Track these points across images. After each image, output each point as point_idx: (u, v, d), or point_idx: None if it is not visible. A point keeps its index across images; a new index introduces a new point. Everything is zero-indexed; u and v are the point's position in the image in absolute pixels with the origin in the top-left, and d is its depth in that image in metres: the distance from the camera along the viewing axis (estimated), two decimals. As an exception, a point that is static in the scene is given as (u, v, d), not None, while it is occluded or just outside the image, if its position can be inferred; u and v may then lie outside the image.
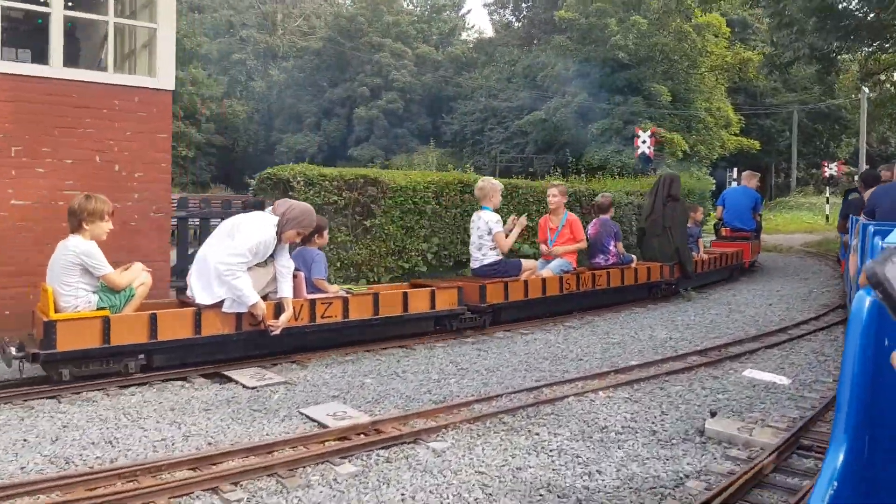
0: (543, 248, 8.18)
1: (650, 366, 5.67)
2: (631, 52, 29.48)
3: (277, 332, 5.31)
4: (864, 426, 1.23)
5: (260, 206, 7.28)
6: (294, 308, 5.43)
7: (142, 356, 4.76)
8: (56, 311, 4.44)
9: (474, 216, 7.40)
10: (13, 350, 4.33)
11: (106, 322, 4.51)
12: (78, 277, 4.54)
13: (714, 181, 29.96)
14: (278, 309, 5.34)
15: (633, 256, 9.16)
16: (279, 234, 5.33)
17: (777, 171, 45.27)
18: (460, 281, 7.34)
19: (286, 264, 5.48)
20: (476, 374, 5.33)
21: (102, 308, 4.61)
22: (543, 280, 7.55)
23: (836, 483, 1.14)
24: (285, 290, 5.42)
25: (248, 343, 5.34)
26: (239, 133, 40.89)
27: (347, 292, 6.06)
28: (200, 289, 5.08)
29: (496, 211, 7.42)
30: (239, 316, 5.18)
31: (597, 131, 30.27)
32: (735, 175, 28.94)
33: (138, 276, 4.93)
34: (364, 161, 33.92)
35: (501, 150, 35.96)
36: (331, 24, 42.85)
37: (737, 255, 11.92)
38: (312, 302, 5.67)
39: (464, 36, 48.34)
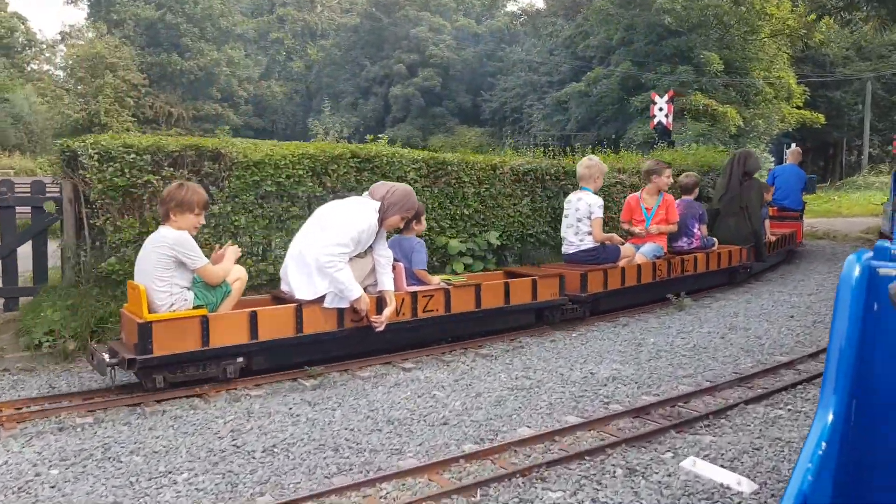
0: (637, 228, 7.49)
1: (538, 441, 3.44)
2: (679, 16, 26.99)
3: (381, 328, 4.76)
4: (852, 389, 1.19)
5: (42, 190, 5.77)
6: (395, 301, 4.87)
7: (241, 359, 4.18)
8: (150, 311, 3.86)
9: (572, 197, 6.76)
10: (106, 356, 3.77)
11: (204, 322, 3.95)
12: (173, 272, 3.97)
13: (773, 159, 28.05)
14: (379, 303, 4.79)
15: (715, 239, 8.45)
16: (381, 220, 4.78)
17: (850, 148, 41.82)
18: (554, 268, 6.71)
19: (385, 254, 4.91)
20: (237, 457, 3.24)
21: (199, 306, 4.05)
22: (639, 266, 6.95)
23: (824, 444, 1.11)
24: (386, 283, 4.86)
25: (349, 341, 4.80)
26: (277, 115, 40.45)
27: (447, 284, 5.46)
28: (301, 283, 4.54)
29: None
30: (341, 311, 4.64)
31: (640, 105, 27.78)
32: (794, 147, 27.33)
33: (233, 269, 4.35)
34: (401, 143, 32.83)
35: (541, 129, 34.45)
36: (369, -2, 41.93)
37: (792, 237, 11.22)
38: (414, 295, 5.11)
39: (510, 7, 46.53)
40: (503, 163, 8.00)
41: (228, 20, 36.68)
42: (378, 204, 4.75)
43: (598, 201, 6.61)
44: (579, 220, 6.61)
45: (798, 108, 30.37)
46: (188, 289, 4.06)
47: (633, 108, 28.32)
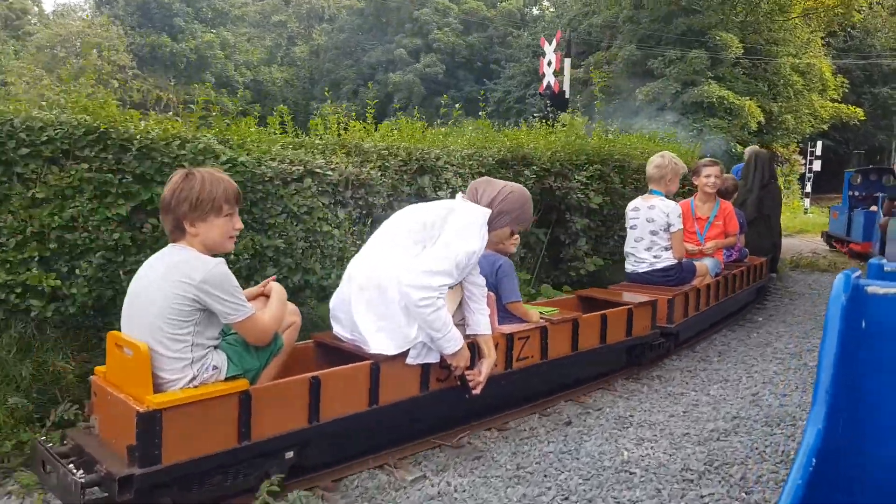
0: (689, 245, 6.28)
1: None
2: None
3: (479, 390, 3.36)
4: (840, 406, 1.21)
5: None
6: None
7: (291, 453, 2.72)
8: (155, 388, 2.40)
9: (639, 203, 5.57)
10: (80, 474, 2.27)
11: (245, 402, 2.50)
12: (195, 326, 2.48)
13: (803, 161, 25.52)
14: (471, 352, 3.36)
15: (747, 250, 7.46)
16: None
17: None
18: (620, 289, 5.53)
19: (479, 282, 3.52)
20: None
21: (235, 376, 2.57)
22: (709, 287, 5.91)
23: (814, 460, 1.12)
24: (482, 323, 3.47)
25: (431, 410, 3.40)
26: (276, 102, 38.63)
27: (545, 319, 4.10)
28: (379, 328, 3.10)
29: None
30: (426, 369, 3.24)
31: (644, 98, 24.77)
32: (819, 151, 25.05)
33: (284, 311, 2.88)
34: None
35: (541, 119, 31.94)
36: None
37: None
38: (510, 338, 3.73)
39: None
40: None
41: (226, 1, 34.88)
42: (488, 212, 3.33)
43: (677, 209, 5.45)
44: (654, 234, 5.45)
45: (835, 101, 26.88)
46: (215, 347, 2.59)
47: (637, 102, 25.18)
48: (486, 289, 3.56)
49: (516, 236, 4.03)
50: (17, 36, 36.79)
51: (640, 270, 5.56)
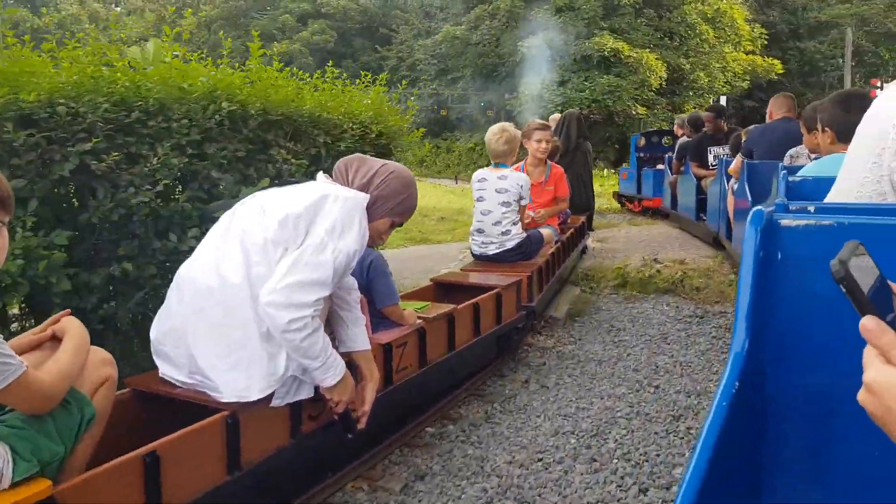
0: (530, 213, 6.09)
1: None
2: None
3: (364, 423, 2.81)
4: (758, 333, 1.28)
5: None
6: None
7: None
8: None
9: (487, 173, 5.31)
10: None
11: None
12: None
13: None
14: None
15: (569, 210, 7.39)
16: None
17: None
18: (470, 270, 5.26)
19: (350, 286, 2.91)
20: None
21: (27, 478, 1.79)
22: (553, 256, 5.81)
23: (737, 384, 1.19)
24: (359, 338, 2.87)
25: (304, 458, 2.77)
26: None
27: (421, 318, 3.63)
28: (229, 367, 2.40)
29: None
30: (296, 409, 2.65)
31: (526, 50, 22.50)
32: (723, 103, 23.14)
33: (85, 361, 2.02)
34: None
35: (432, 89, 28.61)
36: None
37: (582, 230, 11.15)
38: (387, 348, 3.21)
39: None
40: None
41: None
42: (366, 198, 2.67)
43: (527, 181, 5.29)
44: (505, 205, 5.20)
45: (751, 54, 24.37)
46: None
47: (520, 56, 22.60)
48: (359, 293, 2.92)
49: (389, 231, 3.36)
50: None
51: (494, 252, 5.30)
